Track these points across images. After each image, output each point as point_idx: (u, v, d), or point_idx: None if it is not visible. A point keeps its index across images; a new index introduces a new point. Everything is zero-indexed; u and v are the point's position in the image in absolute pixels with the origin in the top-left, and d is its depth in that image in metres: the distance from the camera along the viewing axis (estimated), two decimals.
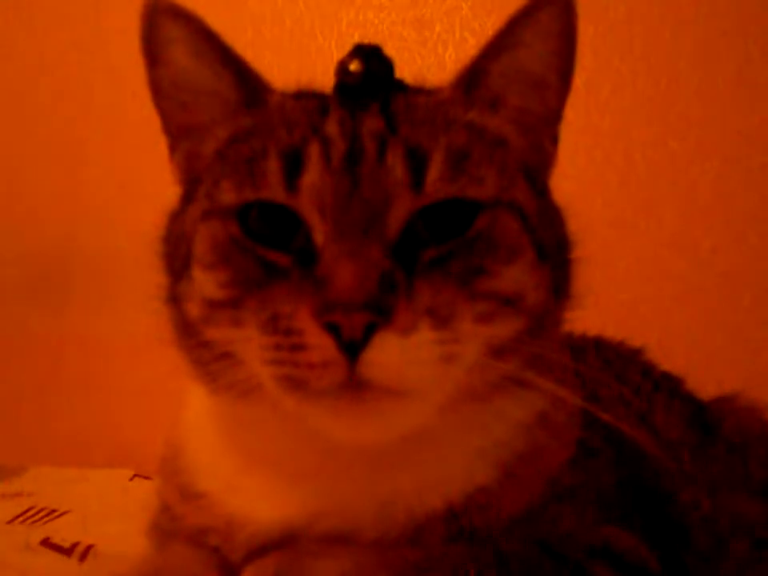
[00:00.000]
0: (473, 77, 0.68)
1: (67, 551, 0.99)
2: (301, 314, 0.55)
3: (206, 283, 0.63)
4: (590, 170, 1.51)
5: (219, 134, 0.68)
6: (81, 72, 1.87)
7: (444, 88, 0.69)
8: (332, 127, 0.62)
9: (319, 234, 0.59)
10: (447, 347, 0.56)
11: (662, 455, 0.75)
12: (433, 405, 0.59)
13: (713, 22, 1.48)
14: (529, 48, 0.67)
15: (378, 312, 0.53)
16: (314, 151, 0.61)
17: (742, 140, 1.46)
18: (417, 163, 0.60)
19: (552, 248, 0.66)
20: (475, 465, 0.65)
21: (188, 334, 0.66)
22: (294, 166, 0.60)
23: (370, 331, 0.53)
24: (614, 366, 0.95)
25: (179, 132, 0.72)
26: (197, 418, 0.75)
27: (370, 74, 0.65)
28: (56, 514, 1.19)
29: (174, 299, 0.68)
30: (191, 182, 0.70)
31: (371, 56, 0.66)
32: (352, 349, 0.53)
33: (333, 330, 0.53)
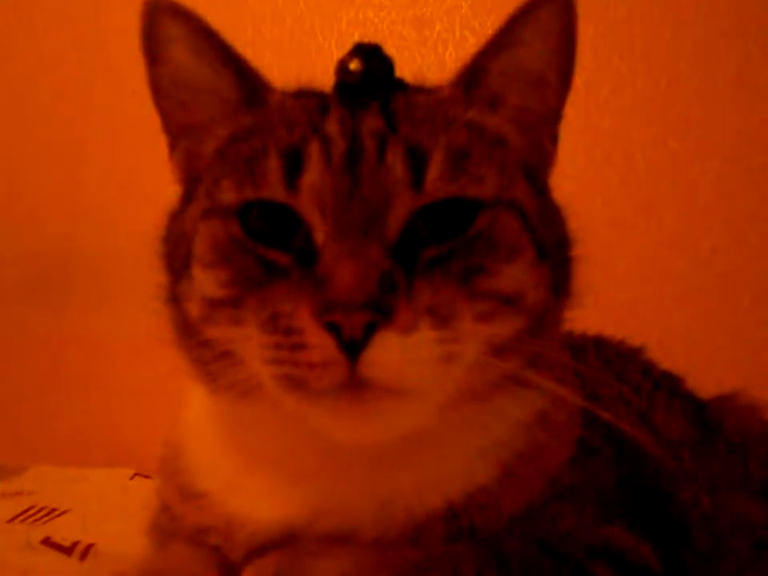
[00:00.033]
0: (473, 75, 0.68)
1: (67, 550, 0.99)
2: (301, 313, 0.55)
3: (206, 282, 0.63)
4: (589, 170, 1.51)
5: (219, 132, 0.68)
6: (81, 72, 1.87)
7: (444, 87, 0.69)
8: (332, 126, 0.62)
9: (319, 234, 0.59)
10: (447, 346, 0.56)
11: (662, 454, 0.75)
12: (433, 404, 0.59)
13: (713, 22, 1.48)
14: (529, 47, 0.67)
15: (378, 311, 0.53)
16: (314, 150, 0.60)
17: (742, 140, 1.46)
18: (417, 162, 0.60)
19: (552, 247, 0.66)
20: (475, 464, 0.65)
21: (188, 333, 0.66)
22: (294, 165, 0.60)
23: (370, 331, 0.53)
24: (614, 365, 0.95)
25: (179, 131, 0.72)
26: (197, 417, 0.75)
27: (370, 73, 0.65)
28: (56, 513, 1.20)
29: (174, 299, 0.68)
30: (191, 181, 0.70)
31: (371, 55, 0.66)
32: (352, 348, 0.53)
33: (333, 329, 0.53)
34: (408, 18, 1.62)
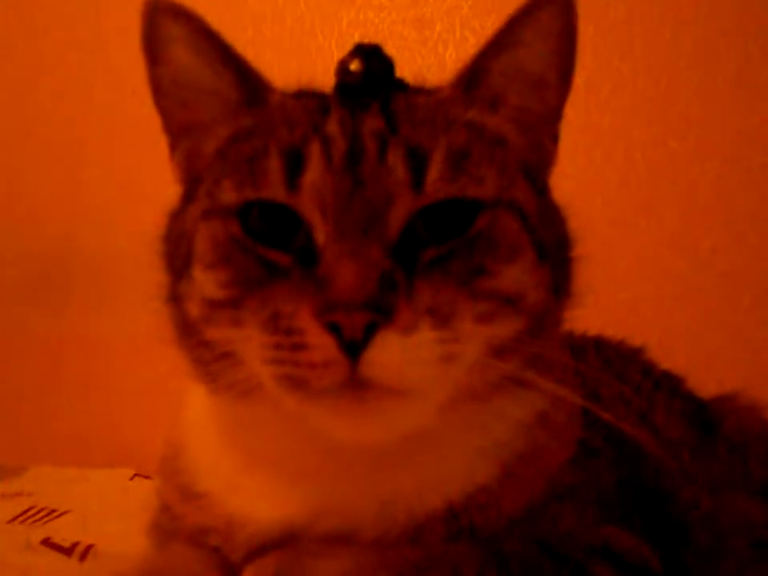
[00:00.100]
0: (473, 76, 0.68)
1: (67, 551, 0.99)
2: (302, 313, 0.55)
3: (206, 283, 0.63)
4: (589, 170, 1.51)
5: (220, 132, 0.68)
6: (81, 72, 1.87)
7: (444, 87, 0.69)
8: (333, 126, 0.62)
9: (320, 234, 0.59)
10: (448, 347, 0.56)
11: (662, 454, 0.75)
12: (433, 404, 0.59)
13: (713, 22, 1.48)
14: (529, 47, 0.67)
15: (379, 312, 0.53)
16: (314, 150, 0.60)
17: (742, 140, 1.46)
18: (417, 163, 0.60)
19: (552, 247, 0.66)
20: (476, 464, 0.65)
21: (188, 333, 0.66)
22: (294, 166, 0.60)
23: (370, 331, 0.53)
24: (615, 365, 0.95)
25: (180, 131, 0.72)
26: (197, 417, 0.75)
27: (370, 73, 0.65)
28: (56, 513, 1.19)
29: (175, 299, 0.68)
30: (192, 181, 0.70)
31: (372, 55, 0.66)
32: (353, 348, 0.53)
33: (334, 329, 0.53)
34: (408, 19, 1.62)
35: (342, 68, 0.66)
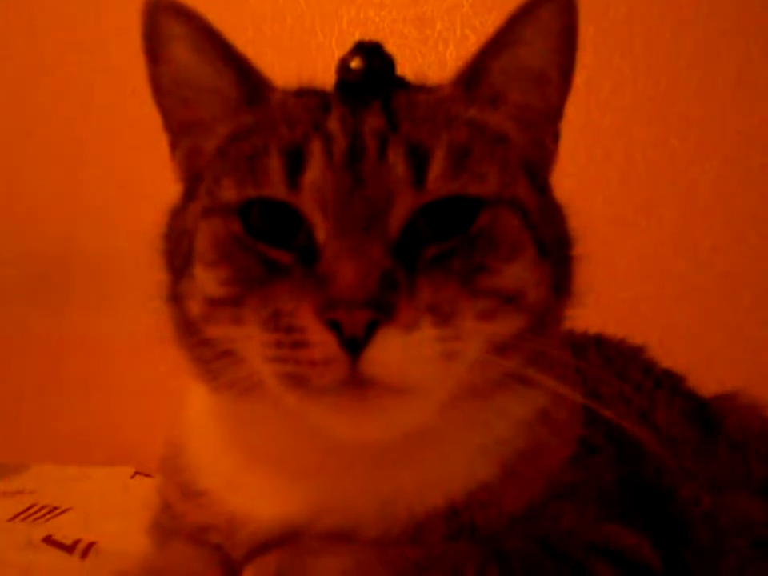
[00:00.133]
0: (473, 74, 0.68)
1: (69, 548, 0.99)
2: (302, 311, 0.55)
3: (207, 281, 0.63)
4: (590, 169, 1.51)
5: (220, 131, 0.68)
6: (81, 72, 1.87)
7: (445, 85, 0.69)
8: (333, 124, 0.62)
9: (321, 232, 0.59)
10: (449, 344, 0.56)
11: (663, 453, 0.75)
12: (434, 402, 0.59)
13: (713, 22, 1.48)
14: (529, 45, 0.67)
15: (380, 309, 0.53)
16: (315, 148, 0.60)
17: (742, 140, 1.46)
18: (418, 160, 0.60)
19: (553, 245, 0.66)
20: (477, 462, 0.65)
21: (189, 332, 0.66)
22: (295, 164, 0.60)
23: (371, 328, 0.53)
24: (615, 363, 0.95)
25: (180, 129, 0.72)
26: (198, 416, 0.75)
27: (371, 71, 0.65)
28: (57, 511, 1.20)
29: (175, 297, 0.68)
30: (192, 179, 0.70)
31: (372, 53, 0.66)
32: (354, 346, 0.53)
33: (334, 327, 0.53)
34: (409, 17, 1.62)
35: (343, 66, 0.66)
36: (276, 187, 0.61)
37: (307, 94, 0.69)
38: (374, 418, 0.58)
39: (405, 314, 0.54)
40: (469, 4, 1.59)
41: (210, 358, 0.64)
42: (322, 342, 0.54)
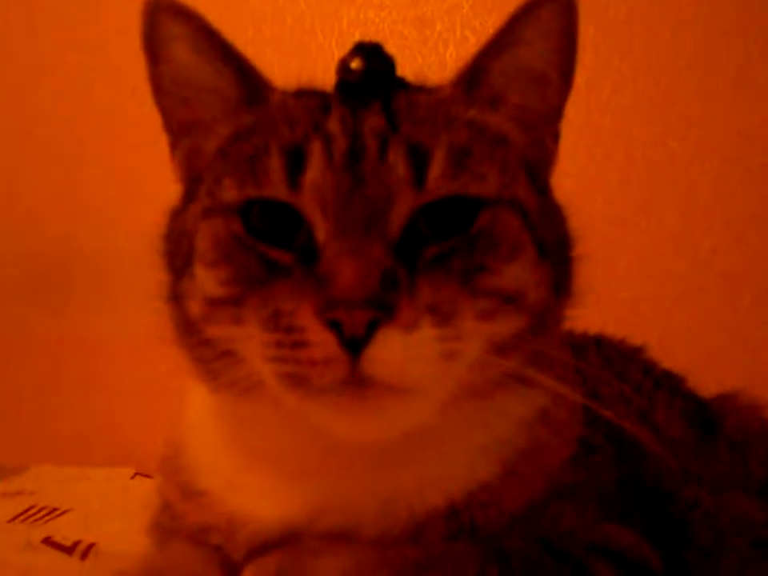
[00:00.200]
0: (474, 75, 0.68)
1: (68, 550, 0.99)
2: (303, 311, 0.55)
3: (207, 281, 0.63)
4: (590, 169, 1.51)
5: (221, 131, 0.68)
6: (81, 72, 1.87)
7: (445, 86, 0.69)
8: (334, 125, 0.62)
9: (321, 232, 0.59)
10: (449, 344, 0.56)
11: (662, 453, 0.75)
12: (435, 402, 0.59)
13: (713, 22, 1.48)
14: (530, 46, 0.67)
15: (380, 309, 0.53)
16: (315, 149, 0.61)
17: (742, 140, 1.46)
18: (418, 161, 0.60)
19: (553, 246, 0.66)
20: (477, 462, 0.65)
21: (189, 332, 0.66)
22: (295, 164, 0.60)
23: (372, 328, 0.53)
24: (615, 363, 0.95)
25: (180, 130, 0.72)
26: (198, 416, 0.75)
27: (371, 71, 0.65)
28: (57, 512, 1.20)
29: (175, 297, 0.68)
30: (192, 179, 0.70)
31: (372, 54, 0.66)
32: (354, 346, 0.53)
33: (335, 326, 0.53)
34: (409, 18, 1.62)
35: (343, 66, 0.66)
36: (276, 187, 0.61)
37: (307, 95, 0.69)
38: (374, 417, 0.58)
39: (405, 313, 0.54)
40: (469, 5, 1.59)
41: (210, 358, 0.64)
42: (322, 341, 0.54)
